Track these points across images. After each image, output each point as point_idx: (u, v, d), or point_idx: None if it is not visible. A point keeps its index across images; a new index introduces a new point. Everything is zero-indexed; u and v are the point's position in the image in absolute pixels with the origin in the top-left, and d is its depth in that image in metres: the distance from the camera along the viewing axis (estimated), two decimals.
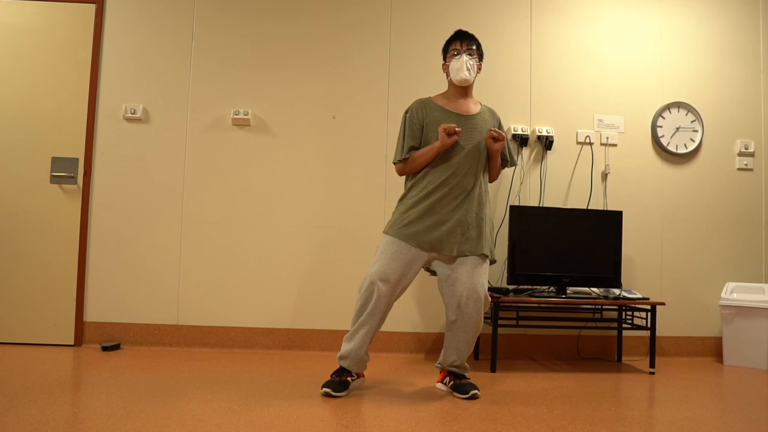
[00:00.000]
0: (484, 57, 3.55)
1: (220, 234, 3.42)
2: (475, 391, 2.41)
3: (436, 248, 2.44)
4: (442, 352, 2.55)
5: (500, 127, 2.67)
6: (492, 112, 2.67)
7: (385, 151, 3.49)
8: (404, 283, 2.44)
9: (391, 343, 3.42)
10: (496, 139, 2.49)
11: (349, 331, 2.48)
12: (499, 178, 2.83)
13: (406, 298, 3.43)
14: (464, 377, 2.53)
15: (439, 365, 2.59)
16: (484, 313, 3.34)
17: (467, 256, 2.45)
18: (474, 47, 2.59)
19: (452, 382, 2.51)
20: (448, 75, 2.62)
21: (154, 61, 3.47)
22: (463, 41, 2.59)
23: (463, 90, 2.61)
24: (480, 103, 2.65)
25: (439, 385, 2.58)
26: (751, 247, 3.67)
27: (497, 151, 2.52)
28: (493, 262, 2.57)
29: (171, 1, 3.49)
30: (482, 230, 2.50)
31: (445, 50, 2.64)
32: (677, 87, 3.68)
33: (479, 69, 2.63)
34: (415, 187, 2.52)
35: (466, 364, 2.54)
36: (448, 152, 2.49)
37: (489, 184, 2.67)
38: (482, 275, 2.46)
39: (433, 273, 2.63)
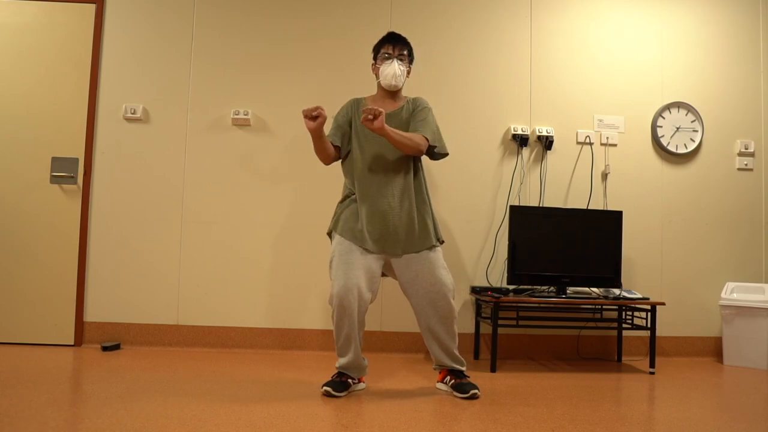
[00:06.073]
0: (485, 57, 3.57)
1: (220, 234, 3.42)
2: (475, 391, 2.40)
3: (380, 248, 2.42)
4: (431, 354, 2.54)
5: (415, 110, 2.56)
6: (414, 101, 2.60)
7: None
8: (374, 287, 2.42)
9: (391, 343, 3.42)
10: (372, 119, 2.29)
11: (335, 343, 2.46)
12: (417, 147, 2.44)
13: (405, 299, 3.42)
14: (464, 375, 2.53)
15: (436, 367, 2.59)
16: (482, 313, 3.34)
17: (419, 252, 2.43)
18: (405, 52, 2.57)
19: (452, 381, 2.50)
20: (377, 77, 2.59)
21: (154, 61, 3.47)
22: (395, 45, 2.55)
23: (390, 91, 2.58)
24: (405, 98, 2.63)
25: (440, 385, 2.58)
26: (751, 247, 3.67)
27: (380, 129, 2.28)
28: (441, 242, 2.53)
29: (171, 1, 3.49)
30: (425, 222, 2.48)
31: (376, 51, 2.60)
32: (677, 87, 3.68)
33: (409, 73, 2.61)
34: (353, 184, 2.51)
35: (460, 357, 2.53)
36: (370, 150, 2.47)
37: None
38: (442, 266, 2.45)
39: (384, 275, 2.58)
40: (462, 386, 2.44)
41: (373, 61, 2.62)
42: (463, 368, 2.54)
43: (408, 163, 2.51)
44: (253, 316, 3.40)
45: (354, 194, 2.51)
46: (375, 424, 2.00)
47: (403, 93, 2.68)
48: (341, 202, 2.55)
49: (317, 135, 2.39)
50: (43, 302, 3.34)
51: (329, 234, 2.55)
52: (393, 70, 2.51)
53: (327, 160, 2.54)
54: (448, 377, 2.53)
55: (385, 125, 2.34)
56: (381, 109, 2.28)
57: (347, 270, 2.36)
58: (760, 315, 3.29)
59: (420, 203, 2.51)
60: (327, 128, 2.52)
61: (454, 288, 2.49)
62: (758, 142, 3.71)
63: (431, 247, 2.46)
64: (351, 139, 2.55)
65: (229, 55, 3.49)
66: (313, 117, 2.32)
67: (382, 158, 2.48)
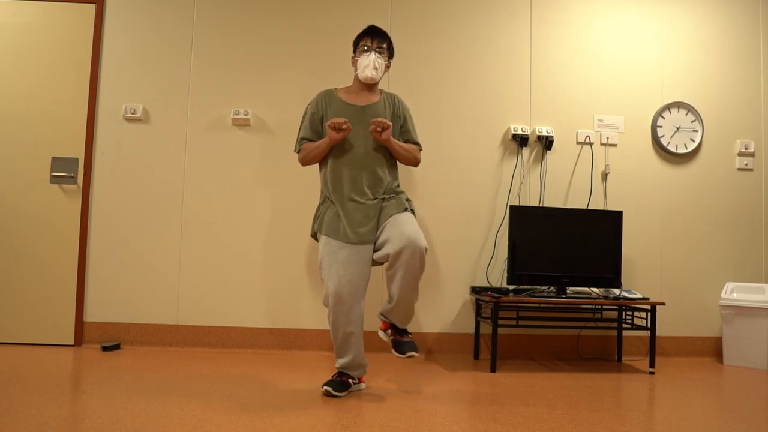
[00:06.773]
0: (485, 57, 3.57)
1: (220, 234, 3.42)
2: (413, 353, 2.36)
3: (361, 238, 2.41)
4: (389, 293, 2.43)
5: (396, 114, 2.59)
6: (392, 99, 2.62)
7: None
8: (366, 277, 2.42)
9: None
10: (381, 130, 2.40)
11: (334, 344, 2.46)
12: (415, 162, 2.62)
13: None
14: (405, 332, 2.47)
15: (382, 317, 2.51)
16: (482, 313, 3.33)
17: (390, 217, 2.42)
18: (384, 46, 2.57)
19: (393, 337, 2.46)
20: (355, 69, 2.58)
21: (154, 61, 3.47)
22: (374, 38, 2.55)
23: (367, 84, 2.58)
24: (381, 91, 2.62)
25: (381, 334, 2.54)
26: (751, 247, 3.67)
27: (386, 141, 2.44)
28: (412, 212, 2.51)
29: (171, 1, 3.49)
30: (399, 200, 2.48)
31: (356, 44, 2.60)
32: (677, 87, 3.68)
33: (387, 67, 2.61)
34: (326, 183, 2.51)
35: (411, 315, 2.45)
36: (350, 145, 2.47)
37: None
38: (412, 223, 2.38)
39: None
40: (401, 346, 2.40)
41: (353, 55, 2.61)
42: (407, 328, 2.49)
43: (381, 155, 2.51)
44: (252, 316, 3.40)
45: (326, 190, 2.52)
46: (375, 424, 2.00)
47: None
48: (322, 203, 2.55)
49: (333, 146, 2.45)
50: (43, 302, 3.34)
51: (313, 236, 2.55)
52: (370, 61, 2.51)
53: (311, 164, 2.57)
54: (390, 330, 2.49)
55: (391, 138, 2.43)
56: (389, 123, 2.39)
57: (339, 268, 2.37)
58: (760, 315, 3.29)
59: (397, 193, 2.52)
60: (299, 121, 2.60)
61: (427, 249, 2.36)
62: (758, 142, 3.71)
63: (402, 211, 2.44)
64: (322, 136, 2.54)
65: (229, 55, 3.49)
66: (342, 130, 2.37)
67: (355, 152, 2.48)
